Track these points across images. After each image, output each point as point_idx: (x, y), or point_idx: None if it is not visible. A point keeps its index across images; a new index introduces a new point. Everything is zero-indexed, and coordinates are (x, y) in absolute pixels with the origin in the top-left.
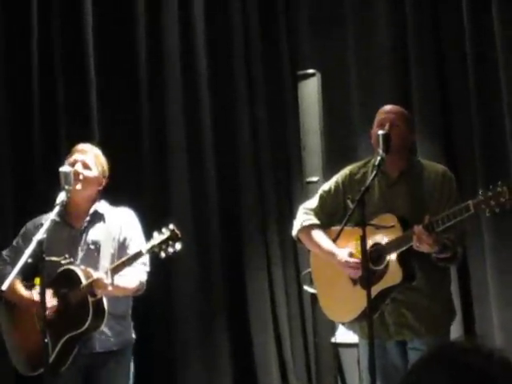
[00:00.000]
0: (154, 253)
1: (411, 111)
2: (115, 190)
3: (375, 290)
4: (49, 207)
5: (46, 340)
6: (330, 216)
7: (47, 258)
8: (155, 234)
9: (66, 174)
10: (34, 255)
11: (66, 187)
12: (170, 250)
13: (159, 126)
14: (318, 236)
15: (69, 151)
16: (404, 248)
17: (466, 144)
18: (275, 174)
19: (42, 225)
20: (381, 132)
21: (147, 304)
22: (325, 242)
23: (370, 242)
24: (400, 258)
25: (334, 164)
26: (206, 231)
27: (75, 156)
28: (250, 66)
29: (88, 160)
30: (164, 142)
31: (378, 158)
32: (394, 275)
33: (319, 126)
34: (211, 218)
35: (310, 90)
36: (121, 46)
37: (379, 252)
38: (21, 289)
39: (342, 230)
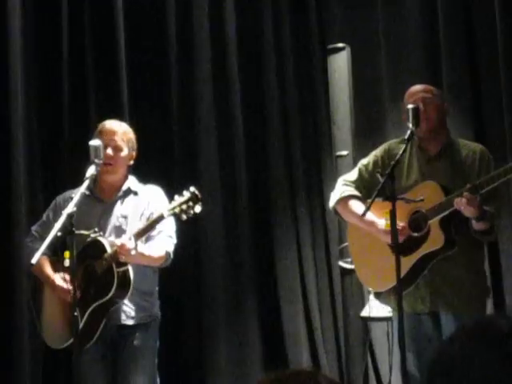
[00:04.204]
0: (175, 215)
1: (441, 85)
2: (144, 163)
3: (416, 256)
4: (78, 182)
5: (75, 314)
6: (369, 190)
7: (77, 232)
8: (176, 196)
9: (96, 148)
10: (63, 229)
11: (96, 161)
12: (191, 211)
13: (189, 104)
14: (357, 206)
15: (98, 126)
16: (446, 213)
17: (496, 117)
18: (305, 149)
19: (71, 198)
20: (410, 106)
21: (176, 279)
22: (360, 209)
23: (411, 209)
24: (441, 223)
25: (363, 138)
26: (235, 206)
27: (105, 139)
28: (280, 40)
29: (119, 141)
30: (192, 114)
31: (408, 131)
32: (435, 240)
33: (349, 100)
34: (240, 194)
35: (340, 63)
36: (151, 19)
37: (420, 218)
38: (47, 268)
39: (371, 204)
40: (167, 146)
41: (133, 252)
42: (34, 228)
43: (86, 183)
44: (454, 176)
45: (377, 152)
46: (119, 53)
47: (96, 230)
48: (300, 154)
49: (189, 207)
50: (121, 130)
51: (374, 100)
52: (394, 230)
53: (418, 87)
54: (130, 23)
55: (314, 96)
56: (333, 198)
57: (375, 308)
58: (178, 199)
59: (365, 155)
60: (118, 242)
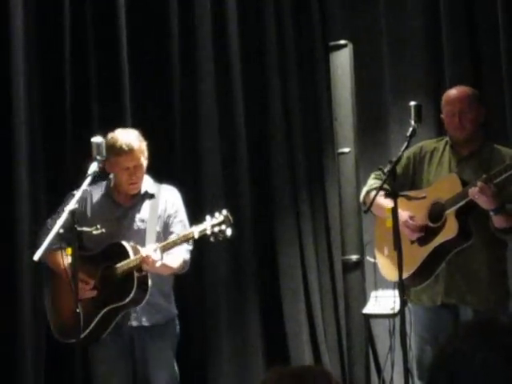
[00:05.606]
0: (205, 236)
1: (443, 82)
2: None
3: (431, 246)
4: (81, 182)
5: (77, 310)
6: (401, 186)
7: (79, 229)
8: (207, 217)
9: (98, 145)
10: (66, 225)
11: (98, 157)
12: (221, 235)
13: (191, 101)
14: (383, 198)
15: (100, 129)
16: (462, 203)
17: (498, 117)
18: (307, 146)
19: (86, 193)
20: (412, 103)
21: (178, 278)
22: (387, 202)
23: (430, 201)
24: (458, 214)
25: (365, 135)
26: (238, 204)
27: (128, 164)
28: (282, 37)
29: (140, 160)
30: (195, 113)
31: (410, 129)
32: (450, 229)
33: (351, 97)
34: (243, 191)
35: (342, 60)
36: (153, 18)
37: (439, 209)
38: (65, 262)
39: (373, 201)
40: (169, 145)
41: (158, 264)
42: (49, 221)
43: (87, 180)
44: (481, 174)
45: (411, 148)
46: (121, 52)
47: (98, 227)
48: (302, 151)
49: (221, 231)
50: (136, 146)
51: (376, 97)
52: (396, 227)
53: (455, 94)
54: (132, 23)
55: (316, 93)
56: (363, 191)
57: (376, 305)
58: (209, 221)
59: (367, 152)
60: (144, 252)
